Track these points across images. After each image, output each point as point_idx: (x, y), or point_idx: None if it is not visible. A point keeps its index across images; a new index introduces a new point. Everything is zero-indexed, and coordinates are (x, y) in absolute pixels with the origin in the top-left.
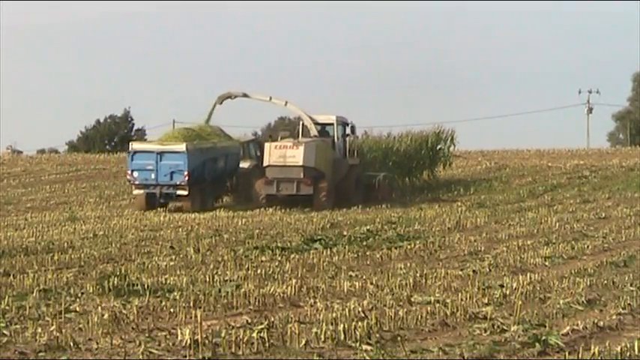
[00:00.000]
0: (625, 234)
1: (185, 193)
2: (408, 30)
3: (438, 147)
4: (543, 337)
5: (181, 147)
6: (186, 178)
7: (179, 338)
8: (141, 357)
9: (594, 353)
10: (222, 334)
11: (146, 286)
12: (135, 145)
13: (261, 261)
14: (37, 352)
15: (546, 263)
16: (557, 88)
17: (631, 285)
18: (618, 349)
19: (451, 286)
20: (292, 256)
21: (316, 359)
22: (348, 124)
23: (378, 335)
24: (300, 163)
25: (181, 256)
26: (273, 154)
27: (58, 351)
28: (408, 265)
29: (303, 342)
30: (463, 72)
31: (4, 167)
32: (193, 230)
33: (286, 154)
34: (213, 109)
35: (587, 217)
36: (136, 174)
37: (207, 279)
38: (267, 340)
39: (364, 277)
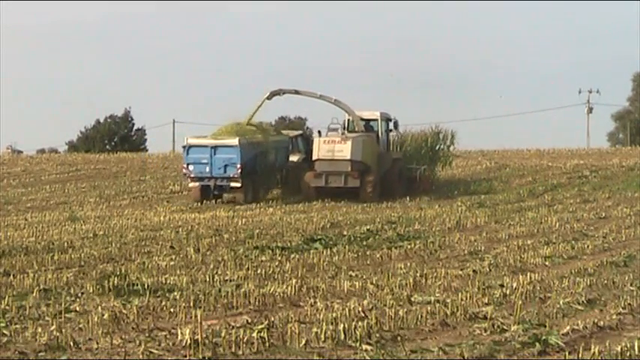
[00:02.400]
0: (625, 234)
1: (238, 185)
2: (408, 30)
3: (438, 147)
4: (543, 337)
5: (234, 141)
6: (239, 170)
7: (179, 338)
8: (141, 357)
9: (594, 353)
10: (222, 334)
11: (146, 286)
12: (190, 140)
13: (261, 261)
14: (37, 352)
15: (546, 263)
16: (557, 88)
17: (631, 285)
18: (618, 349)
19: (451, 286)
20: (292, 255)
21: (316, 359)
22: (391, 120)
23: (378, 335)
24: (348, 157)
25: (181, 256)
26: (322, 148)
27: (58, 351)
28: (408, 264)
29: (303, 342)
30: (463, 72)
31: (4, 167)
32: (193, 230)
33: (334, 149)
34: (261, 105)
35: (587, 217)
36: (191, 167)
37: (207, 279)
38: (267, 340)
39: (364, 276)
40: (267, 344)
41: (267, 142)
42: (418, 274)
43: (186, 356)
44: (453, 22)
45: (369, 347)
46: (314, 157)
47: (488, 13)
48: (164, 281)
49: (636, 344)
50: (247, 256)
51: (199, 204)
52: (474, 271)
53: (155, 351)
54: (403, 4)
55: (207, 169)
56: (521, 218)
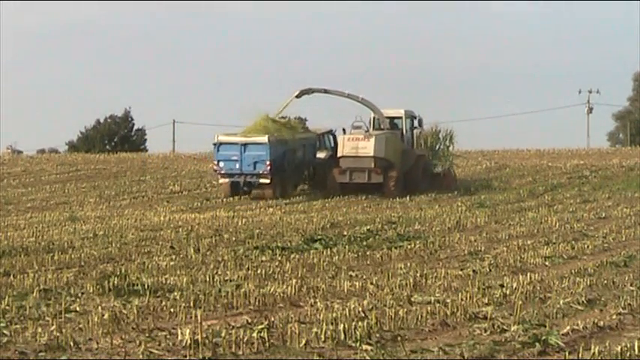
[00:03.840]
0: (625, 234)
1: (267, 181)
2: (408, 29)
3: (438, 147)
4: (543, 337)
5: (264, 139)
6: (269, 167)
7: (179, 338)
8: (141, 357)
9: (594, 353)
10: (222, 334)
11: (146, 286)
12: (221, 138)
13: (261, 261)
14: (37, 352)
15: (546, 263)
16: (557, 88)
17: (631, 285)
18: (618, 349)
19: (451, 286)
20: (292, 256)
21: (316, 359)
22: (415, 118)
23: (378, 335)
24: (371, 154)
25: (181, 256)
26: (347, 145)
27: (58, 351)
28: (408, 265)
29: (304, 342)
30: (463, 72)
31: (4, 167)
32: (193, 230)
33: (358, 146)
34: (289, 103)
35: (588, 217)
36: (221, 164)
37: (208, 279)
38: (267, 340)
39: (364, 277)
40: (267, 344)
41: (295, 140)
42: (418, 274)
43: (186, 356)
44: (453, 22)
45: (369, 347)
46: (339, 154)
47: (488, 13)
48: (164, 281)
49: (636, 344)
50: (247, 256)
51: (199, 203)
52: (473, 271)
53: (155, 351)
54: (403, 4)
55: (237, 165)
56: (521, 218)
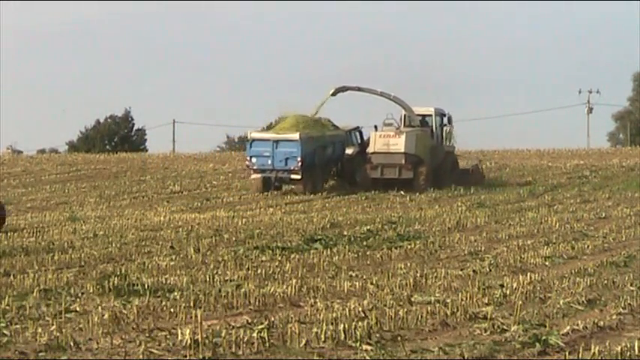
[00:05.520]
0: (625, 234)
1: (298, 177)
2: (408, 29)
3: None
4: (543, 337)
5: (295, 136)
6: (300, 163)
7: (179, 338)
8: (141, 357)
9: (594, 353)
10: (222, 334)
11: (146, 286)
12: (253, 134)
13: (262, 261)
14: (37, 352)
15: (546, 263)
16: (557, 88)
17: (631, 285)
18: (618, 349)
19: (451, 286)
20: (292, 256)
21: (316, 359)
22: (445, 115)
23: (378, 335)
24: (402, 150)
25: (181, 256)
26: (378, 142)
27: (58, 351)
28: (408, 265)
29: (304, 342)
30: (463, 72)
31: (4, 167)
32: (193, 230)
33: (389, 143)
34: (325, 101)
35: (588, 217)
36: (254, 160)
37: (208, 279)
38: (267, 340)
39: (364, 277)
40: (267, 344)
41: (325, 137)
42: (418, 274)
43: (186, 356)
44: (453, 22)
45: (369, 347)
46: (370, 150)
47: (488, 13)
48: (164, 281)
49: (636, 344)
50: (247, 256)
51: (199, 203)
52: (473, 271)
53: (155, 351)
54: (404, 4)
55: (269, 161)
56: (521, 218)
